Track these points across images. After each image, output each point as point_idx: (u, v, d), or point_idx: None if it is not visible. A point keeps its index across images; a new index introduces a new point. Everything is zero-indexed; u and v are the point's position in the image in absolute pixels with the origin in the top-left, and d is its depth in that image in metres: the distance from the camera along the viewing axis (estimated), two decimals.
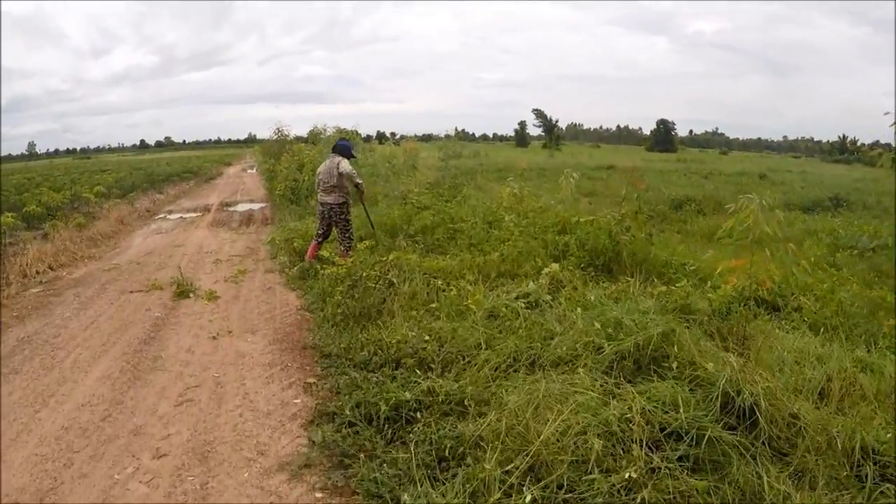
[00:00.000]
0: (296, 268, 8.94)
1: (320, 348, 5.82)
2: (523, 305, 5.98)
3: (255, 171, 39.08)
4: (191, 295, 8.13)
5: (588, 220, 8.82)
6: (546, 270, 7.09)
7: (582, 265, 7.83)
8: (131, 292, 8.50)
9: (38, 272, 10.07)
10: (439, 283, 7.01)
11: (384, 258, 7.50)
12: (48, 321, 7.25)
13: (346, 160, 8.83)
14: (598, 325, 4.82)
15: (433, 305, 6.35)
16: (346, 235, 8.88)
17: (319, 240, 9.09)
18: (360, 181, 9.04)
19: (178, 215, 17.79)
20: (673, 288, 6.36)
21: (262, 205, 19.37)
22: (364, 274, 7.03)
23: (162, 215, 17.98)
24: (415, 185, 13.24)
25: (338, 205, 8.78)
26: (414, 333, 5.48)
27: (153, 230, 14.72)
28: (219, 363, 5.75)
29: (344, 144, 9.29)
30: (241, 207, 19.07)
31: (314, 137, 22.16)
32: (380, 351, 5.31)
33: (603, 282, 7.19)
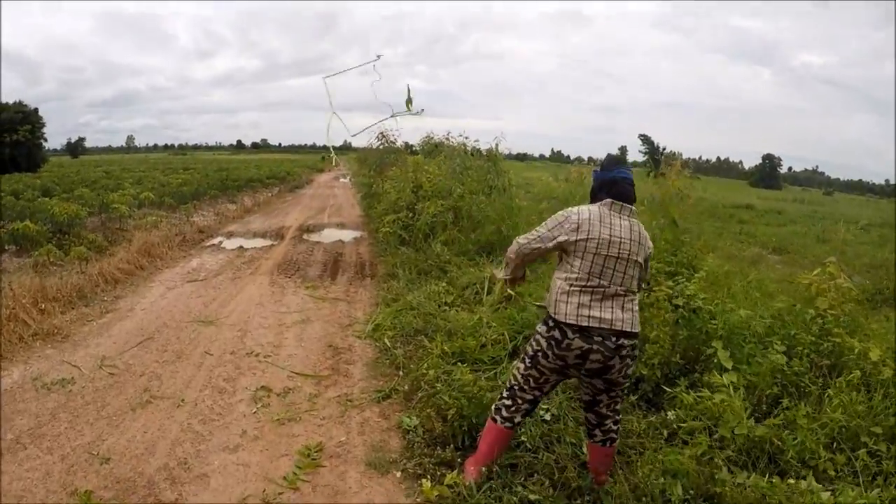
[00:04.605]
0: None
1: None
2: None
3: (348, 180, 34.29)
4: None
5: None
6: None
7: None
8: None
9: None
10: None
11: None
12: None
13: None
14: None
15: None
16: (619, 409, 3.59)
17: (515, 419, 3.58)
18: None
19: (239, 243, 12.53)
20: None
21: (357, 234, 14.01)
22: None
23: (217, 240, 12.76)
24: None
25: (632, 339, 3.31)
26: None
27: (188, 272, 9.40)
28: None
29: (629, 178, 3.55)
30: (328, 236, 13.68)
31: (429, 148, 16.48)
32: None
33: None
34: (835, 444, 3.95)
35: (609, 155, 3.65)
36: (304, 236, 13.54)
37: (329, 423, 4.46)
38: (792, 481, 3.40)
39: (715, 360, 4.69)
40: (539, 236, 3.46)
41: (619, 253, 3.29)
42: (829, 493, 3.36)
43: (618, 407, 3.50)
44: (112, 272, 8.64)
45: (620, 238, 3.31)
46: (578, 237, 3.31)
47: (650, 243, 3.48)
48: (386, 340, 6.05)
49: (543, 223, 3.48)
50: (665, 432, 4.21)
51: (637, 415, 4.49)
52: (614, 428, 3.52)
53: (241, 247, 12.02)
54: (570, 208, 3.48)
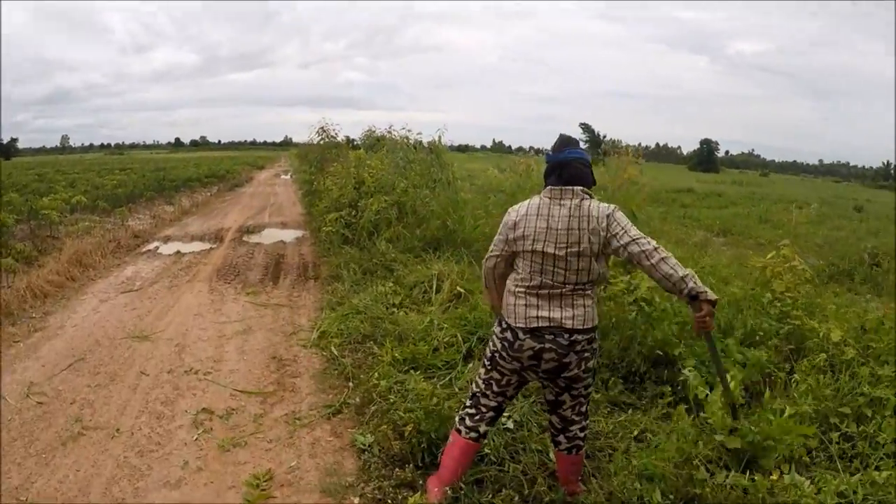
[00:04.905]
0: None
1: None
2: None
3: (289, 177, 33.93)
4: None
5: None
6: None
7: None
8: None
9: None
10: None
11: None
12: None
13: (614, 207, 3.12)
14: None
15: None
16: (586, 413, 3.37)
17: (480, 429, 3.39)
18: (690, 280, 2.90)
19: (176, 247, 12.05)
20: None
21: (298, 233, 13.71)
22: None
23: (153, 245, 12.26)
24: None
25: (586, 334, 3.09)
26: None
27: (122, 282, 8.93)
28: None
29: (582, 158, 3.24)
30: (269, 237, 13.32)
31: (371, 142, 16.05)
32: None
33: None
34: None
35: (561, 135, 3.35)
36: (245, 238, 13.16)
37: (277, 447, 4.20)
38: (774, 476, 3.31)
39: (679, 364, 4.63)
40: (494, 244, 3.31)
41: (556, 249, 3.04)
42: (808, 482, 3.31)
43: (583, 410, 3.30)
44: (41, 285, 8.16)
45: (557, 230, 3.06)
46: (516, 235, 3.16)
47: (604, 211, 3.04)
48: (333, 349, 5.80)
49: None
50: (634, 431, 4.14)
51: (602, 414, 4.40)
52: (580, 435, 3.33)
53: (178, 252, 11.55)
54: (514, 206, 3.30)
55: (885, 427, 3.83)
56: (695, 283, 2.90)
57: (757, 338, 4.96)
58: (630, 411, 4.47)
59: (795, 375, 4.41)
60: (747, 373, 4.36)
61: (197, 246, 12.25)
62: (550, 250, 3.04)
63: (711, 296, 2.93)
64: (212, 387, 5.15)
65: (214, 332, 6.57)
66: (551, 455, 3.66)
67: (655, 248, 2.94)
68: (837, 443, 3.82)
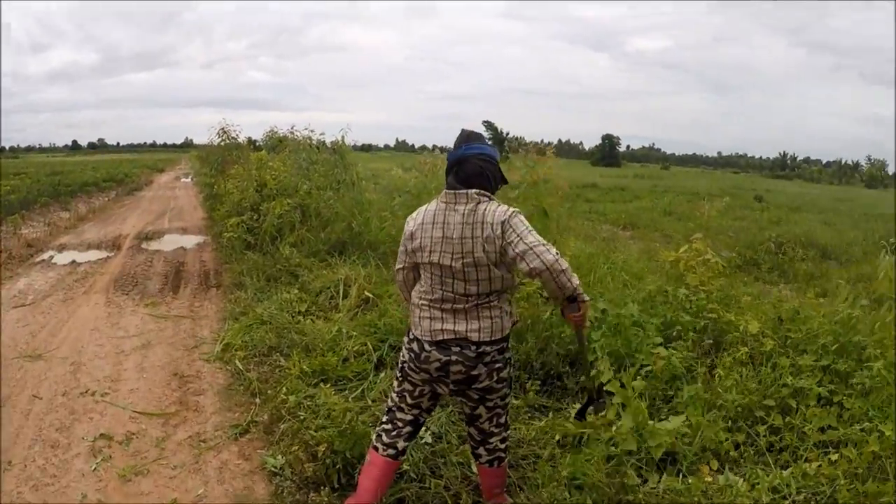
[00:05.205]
0: None
1: None
2: None
3: (190, 180, 32.96)
4: None
5: None
6: None
7: None
8: None
9: None
10: None
11: None
12: None
13: (512, 211, 2.90)
14: None
15: None
16: (505, 424, 3.25)
17: (398, 446, 3.24)
18: (579, 288, 2.87)
19: (71, 257, 11.48)
20: None
21: (199, 238, 13.35)
22: None
23: (48, 255, 11.64)
24: None
25: (496, 345, 2.97)
26: None
27: (13, 296, 8.39)
28: None
29: (483, 154, 3.05)
30: (168, 244, 12.87)
31: (273, 143, 15.76)
32: None
33: None
34: (731, 424, 4.00)
35: (462, 130, 3.14)
36: (143, 245, 12.72)
37: (182, 473, 4.03)
38: (709, 478, 3.38)
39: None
40: (398, 256, 3.23)
41: (452, 261, 2.88)
42: (742, 480, 3.37)
43: (502, 421, 3.19)
44: None
45: (452, 240, 2.89)
46: (413, 246, 3.05)
47: (499, 217, 2.84)
48: (237, 362, 5.65)
49: None
50: (557, 435, 4.09)
51: (523, 420, 4.39)
52: (501, 447, 3.24)
53: (73, 261, 11.03)
54: (412, 213, 3.19)
55: (811, 417, 3.95)
56: (580, 293, 2.88)
57: (675, 332, 5.07)
58: (551, 415, 4.46)
59: (718, 370, 4.52)
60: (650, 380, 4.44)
61: (93, 254, 11.73)
62: (447, 262, 2.90)
63: (587, 297, 2.94)
64: (110, 409, 4.90)
65: (112, 348, 6.27)
66: (474, 468, 3.57)
67: (556, 260, 2.76)
68: (765, 436, 3.91)
